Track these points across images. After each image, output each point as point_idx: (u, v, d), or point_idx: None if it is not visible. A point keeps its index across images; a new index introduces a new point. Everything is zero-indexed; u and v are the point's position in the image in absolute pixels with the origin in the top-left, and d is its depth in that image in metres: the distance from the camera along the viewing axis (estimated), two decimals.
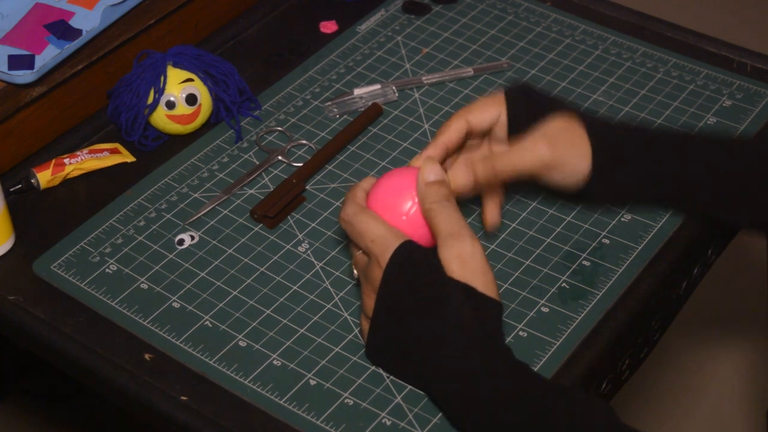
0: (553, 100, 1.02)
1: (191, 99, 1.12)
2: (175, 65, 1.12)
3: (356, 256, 0.93)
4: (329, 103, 1.18)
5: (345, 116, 1.17)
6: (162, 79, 1.11)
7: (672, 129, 1.06)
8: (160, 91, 1.11)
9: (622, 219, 1.06)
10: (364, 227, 0.90)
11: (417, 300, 0.88)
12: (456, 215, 0.90)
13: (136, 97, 1.11)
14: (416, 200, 0.91)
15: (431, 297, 0.88)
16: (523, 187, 1.04)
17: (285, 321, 0.98)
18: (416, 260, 0.89)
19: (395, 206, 0.92)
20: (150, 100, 1.11)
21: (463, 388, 0.86)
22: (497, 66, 1.22)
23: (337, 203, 1.08)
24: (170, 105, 1.12)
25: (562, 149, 0.97)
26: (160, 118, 1.12)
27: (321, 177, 1.11)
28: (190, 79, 1.12)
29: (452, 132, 0.99)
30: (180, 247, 1.04)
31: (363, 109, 1.17)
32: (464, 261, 0.88)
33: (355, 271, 0.94)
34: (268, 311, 0.98)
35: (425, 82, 1.20)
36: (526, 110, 0.99)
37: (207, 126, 1.16)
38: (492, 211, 1.02)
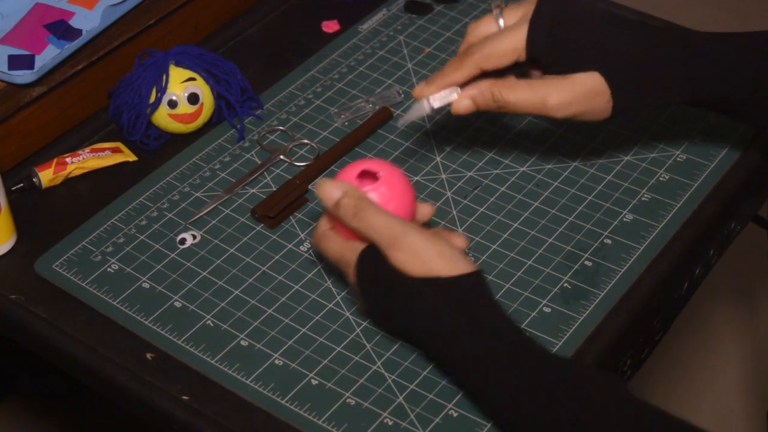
0: (587, 35, 0.99)
1: (193, 98, 1.12)
2: (177, 64, 1.12)
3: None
4: (336, 109, 1.17)
5: (354, 119, 1.16)
6: (164, 78, 1.11)
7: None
8: (162, 90, 1.11)
9: (624, 219, 1.06)
10: (324, 254, 0.92)
11: (392, 306, 0.88)
12: (380, 218, 0.87)
13: (138, 96, 1.11)
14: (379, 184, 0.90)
15: (402, 302, 0.87)
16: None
17: (286, 320, 0.98)
18: (377, 272, 0.87)
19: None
20: (152, 99, 1.11)
21: (466, 374, 0.86)
22: None
23: None
24: (172, 104, 1.11)
25: (583, 106, 0.98)
26: (162, 117, 1.12)
27: (323, 176, 1.10)
28: (192, 78, 1.12)
29: (459, 76, 1.00)
30: (182, 247, 1.03)
31: (369, 114, 1.16)
32: (414, 257, 0.86)
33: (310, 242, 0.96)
34: (269, 311, 0.98)
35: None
36: (551, 51, 0.99)
37: (209, 125, 1.16)
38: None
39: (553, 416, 0.82)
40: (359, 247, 0.89)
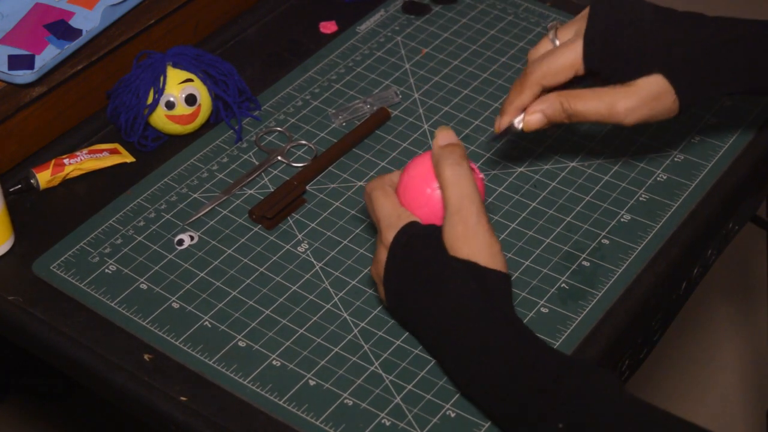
0: (643, 41, 1.00)
1: (191, 99, 1.12)
2: (175, 65, 1.12)
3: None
4: (333, 110, 1.17)
5: (352, 119, 1.17)
6: (162, 79, 1.11)
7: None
8: (159, 92, 1.11)
9: (622, 219, 1.06)
10: (375, 204, 0.94)
11: (419, 280, 0.90)
12: (466, 182, 0.90)
13: (136, 97, 1.11)
14: (436, 185, 0.92)
15: (432, 276, 0.89)
16: None
17: (284, 321, 0.98)
18: (418, 241, 0.91)
19: (417, 189, 0.93)
20: (150, 100, 1.11)
21: (470, 362, 0.87)
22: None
23: (337, 203, 1.08)
24: (170, 105, 1.12)
25: (650, 110, 1.00)
26: (160, 118, 1.12)
27: (320, 177, 1.10)
28: (190, 80, 1.12)
29: (524, 98, 1.02)
30: (179, 248, 1.04)
31: (367, 114, 1.16)
32: (467, 238, 0.89)
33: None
34: (267, 311, 0.98)
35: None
36: (604, 60, 1.00)
37: (206, 126, 1.16)
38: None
39: (549, 413, 0.82)
40: (410, 216, 0.92)
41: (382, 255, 0.93)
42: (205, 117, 1.14)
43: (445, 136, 0.93)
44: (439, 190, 0.92)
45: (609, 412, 0.82)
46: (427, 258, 0.90)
